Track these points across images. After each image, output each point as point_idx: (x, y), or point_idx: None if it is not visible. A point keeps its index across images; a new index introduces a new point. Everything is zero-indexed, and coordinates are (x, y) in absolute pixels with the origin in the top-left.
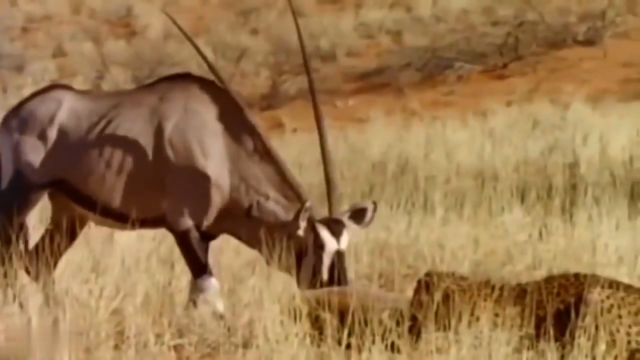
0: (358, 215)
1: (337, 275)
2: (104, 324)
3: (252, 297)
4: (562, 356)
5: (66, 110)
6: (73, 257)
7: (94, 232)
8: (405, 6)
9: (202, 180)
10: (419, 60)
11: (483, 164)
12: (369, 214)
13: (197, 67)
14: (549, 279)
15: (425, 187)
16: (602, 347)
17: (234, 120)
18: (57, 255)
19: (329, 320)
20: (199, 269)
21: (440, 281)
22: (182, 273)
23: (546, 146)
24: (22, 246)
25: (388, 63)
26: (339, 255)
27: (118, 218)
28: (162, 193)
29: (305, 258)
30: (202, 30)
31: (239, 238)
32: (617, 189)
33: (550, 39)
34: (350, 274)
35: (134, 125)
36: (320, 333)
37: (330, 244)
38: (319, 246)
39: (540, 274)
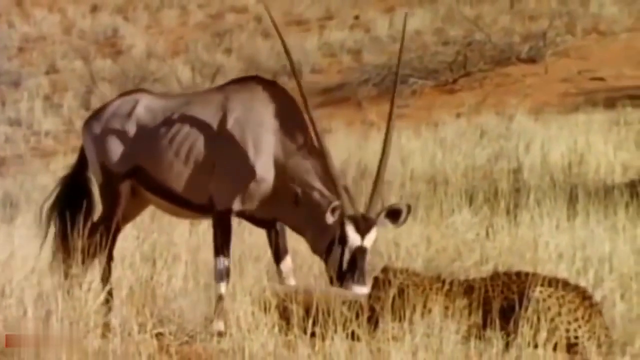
0: (394, 215)
1: (355, 269)
2: (93, 314)
3: (226, 290)
4: (507, 344)
5: (142, 107)
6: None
7: None
8: (365, 27)
9: (248, 173)
10: (376, 77)
11: (435, 170)
12: (403, 215)
13: (176, 84)
14: (494, 276)
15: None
16: (543, 335)
17: (289, 117)
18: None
19: (296, 311)
20: (222, 247)
21: (396, 277)
22: (163, 269)
23: (492, 154)
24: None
25: (349, 79)
26: (360, 251)
27: (183, 204)
28: (210, 176)
29: (332, 249)
30: (181, 50)
31: (287, 224)
32: (557, 193)
33: (496, 57)
34: (315, 270)
35: (201, 118)
36: (288, 323)
37: (354, 239)
38: (343, 241)
39: (487, 269)
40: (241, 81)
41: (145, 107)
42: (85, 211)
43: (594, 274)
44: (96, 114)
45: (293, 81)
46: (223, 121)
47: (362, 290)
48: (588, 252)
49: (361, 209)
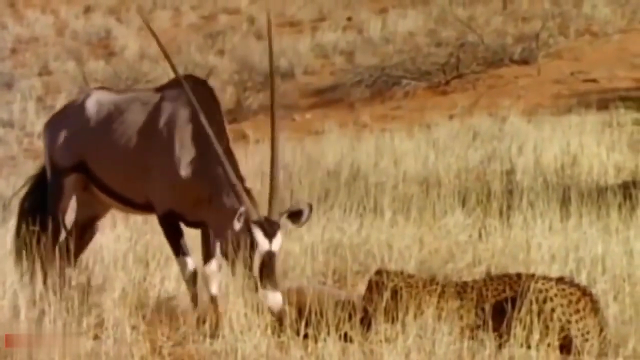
0: (296, 215)
1: (266, 274)
2: (85, 316)
3: (218, 291)
4: (500, 345)
5: (91, 101)
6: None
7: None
8: (357, 29)
9: (175, 174)
10: (369, 78)
11: (427, 171)
12: (305, 215)
13: None
14: (492, 278)
15: (375, 192)
16: (536, 336)
17: (209, 119)
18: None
19: (289, 312)
20: (175, 249)
21: (390, 279)
22: (156, 270)
23: (485, 155)
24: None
25: (341, 80)
26: (269, 255)
27: (122, 201)
28: (145, 176)
29: (240, 254)
30: (174, 51)
31: (210, 228)
32: (550, 194)
33: (488, 59)
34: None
35: (138, 116)
36: (281, 324)
37: (263, 244)
38: (252, 246)
39: (480, 270)
40: (178, 80)
41: (94, 102)
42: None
43: (586, 275)
44: (54, 115)
45: (286, 83)
46: (155, 121)
47: (275, 296)
48: (581, 254)
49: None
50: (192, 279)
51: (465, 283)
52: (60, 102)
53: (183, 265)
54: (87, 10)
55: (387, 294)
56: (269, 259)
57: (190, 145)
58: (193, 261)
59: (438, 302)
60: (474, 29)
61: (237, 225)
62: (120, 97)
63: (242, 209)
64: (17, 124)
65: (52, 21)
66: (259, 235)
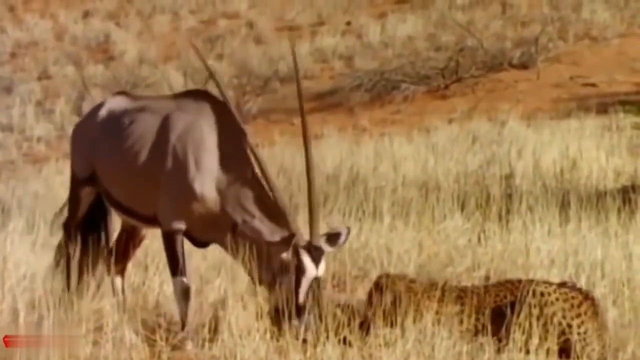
0: (333, 238)
1: (312, 299)
2: (85, 321)
3: (217, 296)
4: (499, 349)
5: (106, 109)
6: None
7: None
8: (356, 33)
9: (189, 192)
10: (368, 82)
11: (427, 175)
12: (342, 238)
13: (168, 89)
14: (497, 283)
15: (374, 196)
16: (535, 340)
17: (233, 142)
18: (123, 255)
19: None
20: (174, 268)
21: (394, 283)
22: (155, 274)
23: (484, 159)
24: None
25: (340, 85)
26: (316, 281)
27: (130, 214)
28: (153, 190)
29: (283, 278)
30: (173, 56)
31: (225, 248)
32: (549, 199)
33: (488, 63)
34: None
35: (147, 128)
36: (279, 329)
37: (311, 270)
38: (300, 271)
39: (479, 275)
40: (191, 95)
41: (108, 110)
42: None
43: (586, 279)
44: (79, 122)
45: (285, 87)
46: (165, 135)
47: (310, 321)
48: (580, 258)
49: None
50: (186, 298)
51: (472, 287)
52: (59, 106)
53: (179, 286)
54: (86, 14)
55: (389, 298)
56: (317, 285)
57: (215, 166)
58: (188, 280)
59: (439, 306)
60: (473, 33)
61: (288, 251)
62: (134, 104)
63: (297, 235)
64: (16, 128)
65: (51, 26)
66: (307, 261)
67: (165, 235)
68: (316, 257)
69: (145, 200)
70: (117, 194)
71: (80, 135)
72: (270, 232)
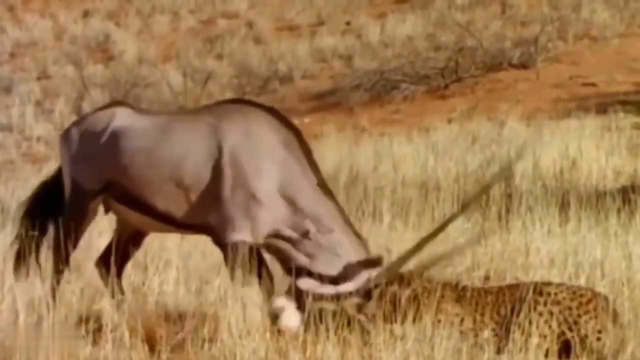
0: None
1: None
2: (84, 321)
3: (217, 296)
4: (498, 349)
5: (120, 120)
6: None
7: None
8: (356, 33)
9: (252, 201)
10: (368, 82)
11: (426, 175)
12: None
13: (167, 89)
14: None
15: (373, 196)
16: (534, 340)
17: (295, 150)
18: (122, 256)
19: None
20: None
21: (410, 282)
22: (155, 274)
23: (484, 160)
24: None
25: (340, 84)
26: None
27: (161, 219)
28: (212, 205)
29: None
30: (173, 56)
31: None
32: (549, 199)
33: (487, 63)
34: None
35: (192, 137)
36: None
37: None
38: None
39: (479, 275)
40: (232, 102)
41: (123, 121)
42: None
43: (585, 279)
44: (74, 127)
45: (285, 87)
46: (219, 146)
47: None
48: (580, 258)
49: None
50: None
51: (487, 288)
52: (59, 106)
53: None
54: (86, 14)
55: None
56: None
57: (273, 176)
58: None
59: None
60: (472, 33)
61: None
62: (156, 117)
63: (373, 274)
64: (15, 128)
65: (51, 25)
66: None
67: (229, 248)
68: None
69: (194, 210)
70: (152, 202)
71: (87, 147)
72: (355, 250)
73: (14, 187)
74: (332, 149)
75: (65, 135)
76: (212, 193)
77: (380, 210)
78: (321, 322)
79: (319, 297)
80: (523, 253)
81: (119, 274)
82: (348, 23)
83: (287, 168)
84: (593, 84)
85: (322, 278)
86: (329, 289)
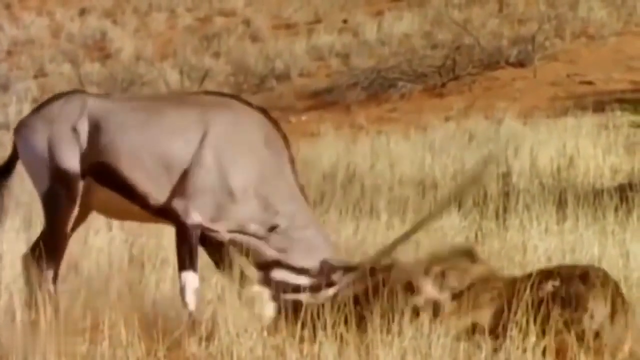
0: None
1: None
2: (81, 319)
3: (214, 293)
4: (495, 348)
5: (94, 106)
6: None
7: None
8: (353, 31)
9: (225, 194)
10: (365, 80)
11: (424, 173)
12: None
13: (164, 86)
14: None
15: (371, 194)
16: (532, 339)
17: (277, 150)
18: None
19: (284, 314)
20: (190, 263)
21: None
22: (152, 272)
23: (481, 158)
24: None
25: (337, 83)
26: None
27: (138, 200)
28: (184, 188)
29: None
30: (170, 53)
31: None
32: (546, 197)
33: (484, 61)
34: None
35: (180, 120)
36: (276, 326)
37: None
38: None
39: None
40: (220, 94)
41: (98, 106)
42: None
43: None
44: (34, 117)
45: (282, 85)
46: (206, 131)
47: None
48: (577, 256)
49: None
50: (197, 293)
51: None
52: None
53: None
54: (83, 12)
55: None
56: None
57: (252, 171)
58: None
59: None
60: (469, 31)
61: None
62: (134, 100)
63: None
64: (12, 126)
65: (48, 23)
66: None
67: (184, 228)
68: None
69: (168, 191)
70: (136, 182)
71: (66, 134)
72: (329, 247)
73: (11, 185)
74: (329, 147)
75: (26, 127)
76: (188, 177)
77: (377, 208)
78: (318, 319)
79: (294, 289)
80: (520, 251)
81: (55, 276)
82: (345, 21)
83: (266, 166)
84: (590, 82)
85: (296, 270)
86: (303, 280)
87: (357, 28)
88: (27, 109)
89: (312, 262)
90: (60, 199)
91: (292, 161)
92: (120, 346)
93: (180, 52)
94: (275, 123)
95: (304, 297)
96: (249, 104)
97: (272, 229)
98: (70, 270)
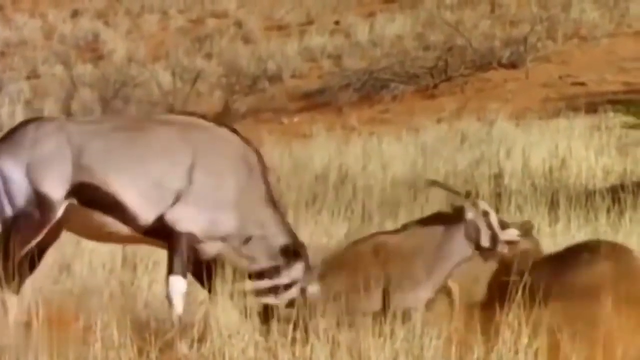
0: None
1: None
2: (73, 320)
3: (206, 295)
4: (487, 350)
5: (73, 129)
6: (45, 260)
7: (63, 237)
8: (345, 33)
9: (211, 208)
10: (357, 82)
11: (416, 175)
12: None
13: (156, 88)
14: None
15: (363, 196)
16: (524, 340)
17: (249, 162)
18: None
19: (277, 316)
20: (179, 268)
21: None
22: (144, 274)
23: (473, 159)
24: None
25: (329, 84)
26: None
27: (126, 219)
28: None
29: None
30: (162, 55)
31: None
32: (538, 198)
33: (477, 62)
34: None
35: (167, 139)
36: (268, 328)
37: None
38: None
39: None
40: (187, 115)
41: (76, 130)
42: None
43: None
44: (4, 145)
45: (274, 86)
46: (191, 152)
47: None
48: None
49: None
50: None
51: None
52: (48, 106)
53: (180, 286)
54: (75, 14)
55: None
56: None
57: (233, 186)
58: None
59: None
60: (462, 32)
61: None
62: (113, 120)
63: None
64: (5, 127)
65: (40, 25)
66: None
67: (178, 236)
68: None
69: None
70: (124, 200)
71: (46, 158)
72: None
73: None
74: (321, 149)
75: (2, 152)
76: (182, 194)
77: (370, 209)
78: (310, 321)
79: (261, 293)
80: None
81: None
82: (337, 22)
83: (243, 181)
84: (582, 84)
85: (260, 275)
86: (265, 283)
87: (349, 29)
88: (19, 110)
89: (273, 262)
90: (29, 223)
91: (266, 173)
92: (113, 347)
93: (173, 53)
94: (246, 140)
95: (270, 299)
96: (217, 122)
97: (247, 240)
98: (63, 271)
